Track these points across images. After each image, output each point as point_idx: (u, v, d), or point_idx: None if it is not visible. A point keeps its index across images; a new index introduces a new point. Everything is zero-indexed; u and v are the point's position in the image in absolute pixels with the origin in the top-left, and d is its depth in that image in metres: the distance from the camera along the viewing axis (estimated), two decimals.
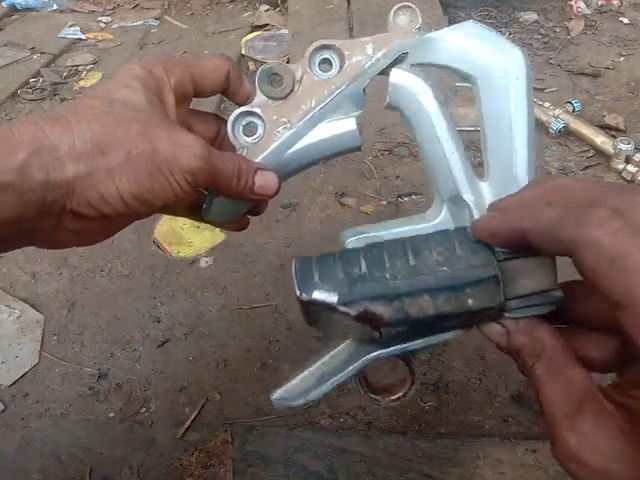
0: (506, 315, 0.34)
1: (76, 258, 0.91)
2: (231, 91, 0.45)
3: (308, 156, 0.45)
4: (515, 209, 0.33)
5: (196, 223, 1.00)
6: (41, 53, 1.60)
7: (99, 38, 1.69)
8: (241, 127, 0.45)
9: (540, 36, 1.50)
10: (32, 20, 1.84)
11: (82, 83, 1.46)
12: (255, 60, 1.49)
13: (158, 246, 0.92)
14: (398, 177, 1.03)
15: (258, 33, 1.62)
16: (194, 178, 0.37)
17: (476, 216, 0.39)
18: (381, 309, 0.34)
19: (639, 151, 0.99)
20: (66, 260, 0.90)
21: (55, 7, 1.91)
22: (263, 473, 0.60)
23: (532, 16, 1.59)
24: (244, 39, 1.58)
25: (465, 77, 0.41)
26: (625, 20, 1.55)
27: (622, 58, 1.38)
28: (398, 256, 0.35)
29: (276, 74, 0.44)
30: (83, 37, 1.70)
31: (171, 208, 0.44)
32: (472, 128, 1.13)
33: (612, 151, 1.00)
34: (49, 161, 0.33)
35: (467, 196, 0.39)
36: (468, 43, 0.40)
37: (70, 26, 1.75)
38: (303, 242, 0.91)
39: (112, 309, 0.82)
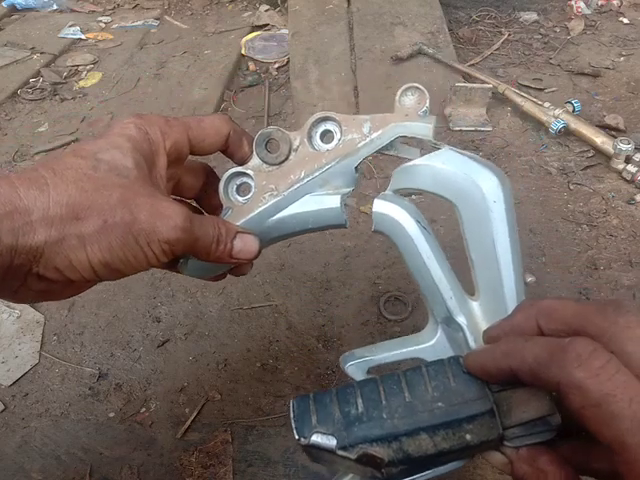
0: (506, 444, 0.34)
1: None
2: (229, 152, 0.45)
3: (290, 226, 0.44)
4: (503, 344, 0.33)
5: None
6: (41, 53, 1.60)
7: (99, 38, 1.69)
8: (235, 186, 0.45)
9: (540, 36, 1.50)
10: (32, 20, 1.84)
11: (82, 83, 1.46)
12: (255, 60, 1.49)
13: None
14: None
15: (258, 33, 1.62)
16: (172, 249, 0.36)
17: (470, 339, 0.39)
18: (380, 451, 0.34)
19: (639, 151, 0.99)
20: None
21: (55, 7, 1.91)
22: (263, 473, 0.61)
23: (532, 16, 1.60)
24: (244, 39, 1.58)
25: (447, 201, 0.41)
26: (625, 20, 1.55)
27: (622, 58, 1.38)
28: (394, 393, 0.35)
29: (274, 139, 0.43)
30: (83, 37, 1.70)
31: None
32: (472, 128, 1.13)
33: (612, 151, 1.00)
34: (20, 225, 0.32)
35: (460, 319, 0.40)
36: (446, 170, 0.40)
37: (70, 26, 1.75)
38: (303, 242, 0.91)
39: (112, 309, 0.82)
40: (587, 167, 1.03)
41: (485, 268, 0.39)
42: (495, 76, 1.30)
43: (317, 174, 0.42)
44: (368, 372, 0.43)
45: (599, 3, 1.60)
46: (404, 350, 0.42)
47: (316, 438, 0.34)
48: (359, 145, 0.42)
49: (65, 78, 1.49)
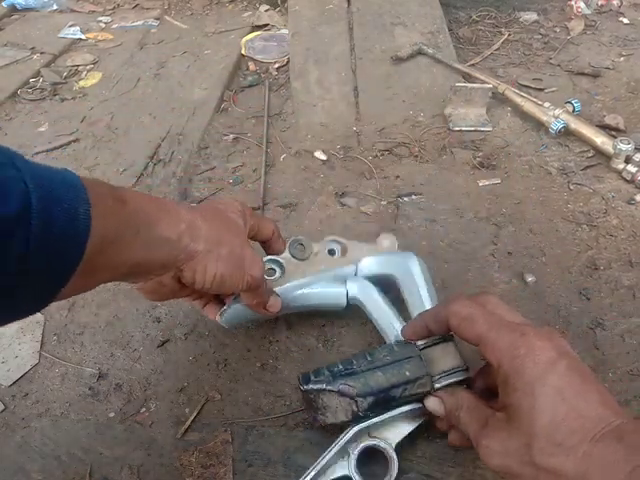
0: (436, 386, 0.54)
1: None
2: (270, 244, 0.66)
3: (308, 299, 0.69)
4: (419, 316, 0.59)
5: None
6: (41, 53, 1.60)
7: (99, 38, 1.69)
8: (266, 269, 0.68)
9: (540, 36, 1.50)
10: (32, 20, 1.84)
11: (82, 83, 1.46)
12: (255, 60, 1.49)
13: None
14: (398, 177, 1.03)
15: (258, 33, 1.62)
16: (252, 282, 0.57)
17: None
18: (352, 384, 0.53)
19: (639, 151, 0.99)
20: None
21: (55, 7, 1.91)
22: (263, 473, 0.60)
23: (532, 16, 1.60)
24: (244, 39, 1.58)
25: (389, 277, 0.70)
26: (625, 20, 1.55)
27: (622, 58, 1.38)
28: (360, 357, 0.56)
29: (302, 244, 0.69)
30: (83, 37, 1.70)
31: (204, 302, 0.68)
32: (472, 128, 1.13)
33: (612, 151, 1.00)
34: (194, 235, 0.50)
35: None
36: (388, 259, 0.71)
37: (70, 26, 1.75)
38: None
39: (112, 309, 0.82)
40: (587, 167, 1.03)
41: (416, 308, 0.65)
42: (495, 76, 1.30)
43: (332, 270, 0.69)
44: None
45: (599, 3, 1.60)
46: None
47: (312, 385, 0.55)
48: (359, 258, 0.71)
49: (65, 78, 1.49)
